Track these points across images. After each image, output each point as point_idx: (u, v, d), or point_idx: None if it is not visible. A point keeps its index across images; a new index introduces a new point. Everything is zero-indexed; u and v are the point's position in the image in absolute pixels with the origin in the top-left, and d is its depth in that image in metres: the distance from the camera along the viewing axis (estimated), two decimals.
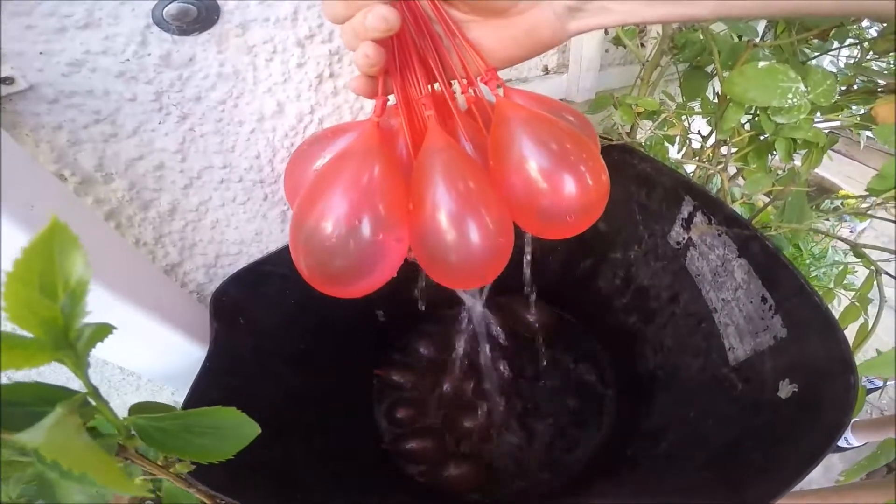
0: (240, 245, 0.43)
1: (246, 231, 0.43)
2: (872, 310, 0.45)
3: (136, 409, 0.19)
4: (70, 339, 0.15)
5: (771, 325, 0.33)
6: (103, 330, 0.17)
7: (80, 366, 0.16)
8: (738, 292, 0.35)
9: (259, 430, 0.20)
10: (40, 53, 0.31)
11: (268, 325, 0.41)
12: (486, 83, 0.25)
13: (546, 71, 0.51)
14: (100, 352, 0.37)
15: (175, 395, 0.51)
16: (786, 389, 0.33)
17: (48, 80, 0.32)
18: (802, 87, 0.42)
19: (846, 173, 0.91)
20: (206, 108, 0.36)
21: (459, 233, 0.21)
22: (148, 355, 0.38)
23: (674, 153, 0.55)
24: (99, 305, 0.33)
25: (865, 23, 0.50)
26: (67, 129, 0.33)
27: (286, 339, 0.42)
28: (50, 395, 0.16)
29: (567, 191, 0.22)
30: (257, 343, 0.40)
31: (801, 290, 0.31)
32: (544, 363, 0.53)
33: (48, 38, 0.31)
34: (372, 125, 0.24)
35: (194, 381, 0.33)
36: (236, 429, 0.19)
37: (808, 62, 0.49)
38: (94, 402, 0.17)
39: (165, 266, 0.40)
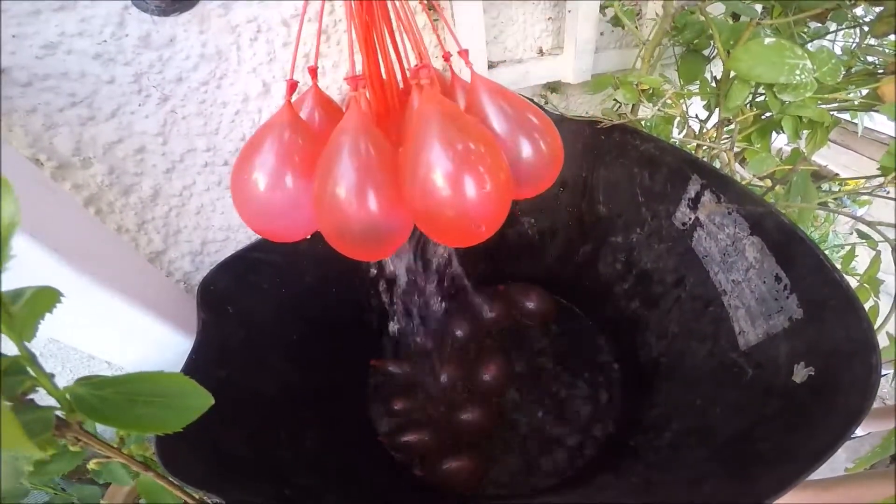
0: (227, 231, 0.40)
1: (233, 216, 0.40)
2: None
3: (84, 380, 0.17)
4: None
5: (786, 305, 0.30)
6: (48, 295, 0.15)
7: (12, 326, 0.14)
8: (750, 272, 0.32)
9: (212, 401, 0.17)
10: (13, 36, 0.29)
11: (258, 314, 0.38)
12: (418, 70, 0.25)
13: (541, 52, 0.48)
14: (84, 345, 0.35)
15: None
16: (801, 373, 0.30)
17: (21, 63, 0.29)
18: (809, 65, 0.39)
19: (842, 163, 0.87)
20: (187, 89, 0.33)
21: (359, 203, 0.22)
22: (134, 348, 0.35)
23: (675, 134, 0.52)
24: (80, 295, 0.30)
25: (860, 11, 0.47)
26: (42, 112, 0.30)
27: (278, 329, 0.39)
28: None
29: (469, 197, 0.21)
30: (248, 334, 0.37)
31: (819, 267, 0.28)
32: (543, 353, 0.50)
33: (20, 21, 0.28)
34: (285, 103, 0.26)
35: (181, 371, 0.31)
36: (184, 398, 0.17)
37: (806, 45, 0.46)
38: (31, 371, 0.15)
39: (149, 254, 0.37)
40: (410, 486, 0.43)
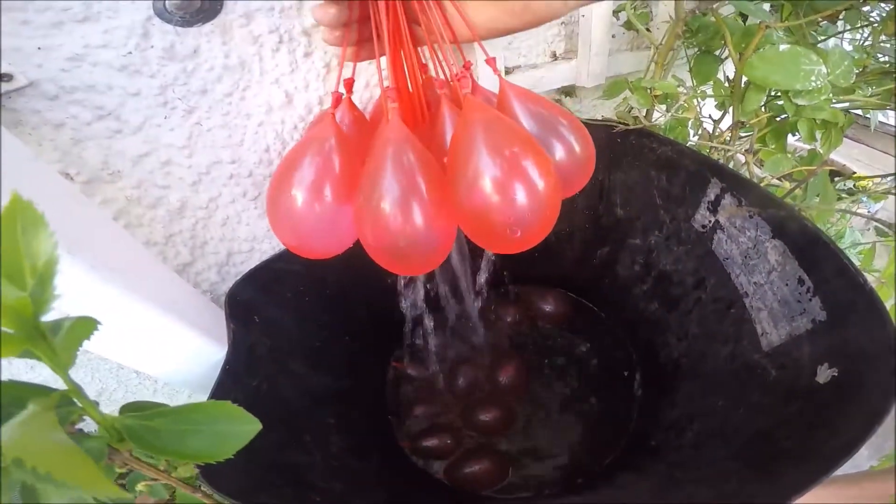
0: (251, 242, 0.41)
1: (257, 227, 0.40)
2: None
3: (128, 408, 0.17)
4: (40, 327, 0.12)
5: (809, 307, 0.31)
6: (87, 324, 0.15)
7: (58, 361, 0.14)
8: (773, 275, 0.33)
9: (259, 427, 0.17)
10: (38, 49, 0.29)
11: (282, 323, 0.39)
12: (458, 80, 0.25)
13: (554, 57, 0.48)
14: (114, 355, 0.35)
15: (192, 398, 0.49)
16: (825, 374, 0.30)
17: (48, 75, 0.30)
18: (824, 70, 0.40)
19: (854, 157, 0.88)
20: (212, 101, 0.34)
21: (405, 218, 0.22)
22: (162, 358, 0.36)
23: (690, 137, 0.52)
24: (113, 308, 0.31)
25: (867, 8, 0.48)
26: (70, 126, 0.31)
27: (301, 336, 0.40)
28: (27, 395, 0.13)
29: (519, 203, 0.22)
30: (274, 342, 0.38)
31: (842, 270, 0.29)
32: (562, 354, 0.50)
33: (45, 32, 0.29)
34: (328, 116, 0.26)
35: (216, 382, 0.31)
36: (234, 426, 0.17)
37: (818, 45, 0.47)
38: (78, 402, 0.15)
39: (177, 266, 0.38)
40: (433, 490, 0.44)
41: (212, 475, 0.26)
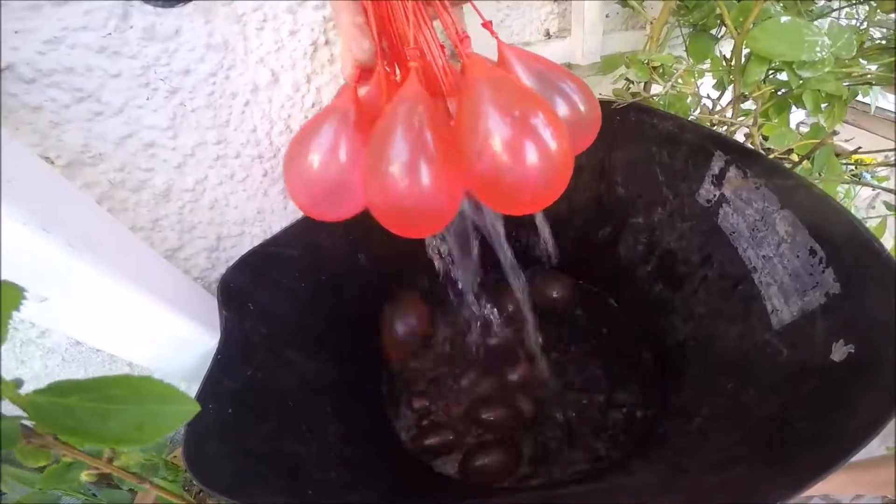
0: (241, 225, 0.39)
1: (247, 210, 0.39)
2: None
3: (48, 387, 0.15)
4: None
5: (822, 280, 0.29)
6: (10, 292, 0.13)
7: None
8: (782, 247, 0.31)
9: (198, 409, 0.15)
10: (15, 32, 0.28)
11: (278, 310, 0.37)
12: (462, 40, 0.24)
13: (548, 35, 0.47)
14: (106, 345, 0.34)
15: (189, 390, 0.47)
16: (840, 351, 0.28)
17: (25, 58, 0.28)
18: (827, 41, 0.39)
19: (856, 144, 0.86)
20: (195, 81, 0.32)
21: (412, 179, 0.21)
22: (154, 347, 0.34)
23: (691, 113, 0.51)
24: (101, 294, 0.29)
25: None
26: (49, 109, 0.30)
27: (298, 324, 0.38)
28: None
29: (530, 163, 0.20)
30: (268, 329, 0.36)
31: (855, 236, 0.27)
32: (565, 340, 0.48)
33: (21, 16, 0.27)
34: (349, 88, 0.26)
35: (207, 371, 0.30)
36: (165, 405, 0.14)
37: (814, 21, 0.45)
38: None
39: (165, 251, 0.36)
40: (434, 481, 0.42)
41: (200, 469, 0.24)
